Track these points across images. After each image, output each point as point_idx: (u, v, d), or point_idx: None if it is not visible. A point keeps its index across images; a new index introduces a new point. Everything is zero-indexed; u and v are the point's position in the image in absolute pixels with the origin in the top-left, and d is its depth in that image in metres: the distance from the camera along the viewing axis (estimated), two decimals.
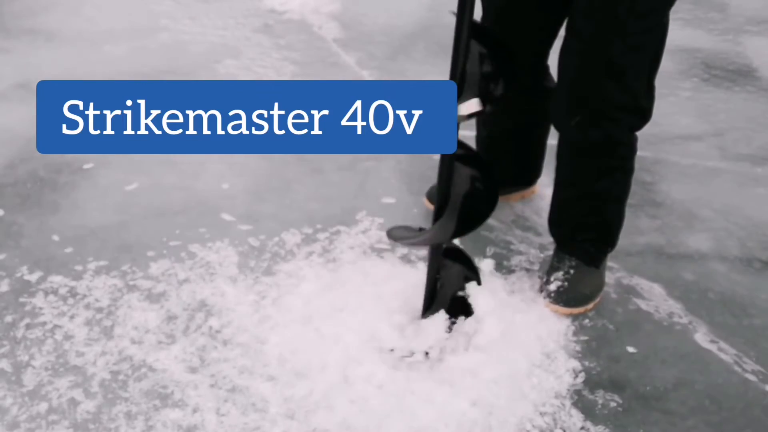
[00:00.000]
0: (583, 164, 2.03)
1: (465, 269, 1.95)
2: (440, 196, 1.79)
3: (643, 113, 1.94)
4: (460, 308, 1.90)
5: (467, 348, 1.88)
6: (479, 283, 1.94)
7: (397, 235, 1.88)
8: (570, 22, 1.89)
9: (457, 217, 1.78)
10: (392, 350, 1.88)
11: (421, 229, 1.89)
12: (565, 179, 2.09)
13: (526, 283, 2.14)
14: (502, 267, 2.22)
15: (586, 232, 2.10)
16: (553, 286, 2.07)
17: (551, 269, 2.12)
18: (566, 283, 2.07)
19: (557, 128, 2.04)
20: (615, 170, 2.03)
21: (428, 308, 1.90)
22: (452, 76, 1.67)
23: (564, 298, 2.06)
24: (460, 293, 1.92)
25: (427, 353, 1.86)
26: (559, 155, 2.09)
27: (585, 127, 1.93)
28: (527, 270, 2.22)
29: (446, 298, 1.90)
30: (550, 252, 2.22)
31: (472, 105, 1.68)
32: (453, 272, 1.92)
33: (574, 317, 2.06)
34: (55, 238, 2.37)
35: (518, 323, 1.96)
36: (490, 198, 1.82)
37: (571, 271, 2.09)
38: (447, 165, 1.74)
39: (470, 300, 1.91)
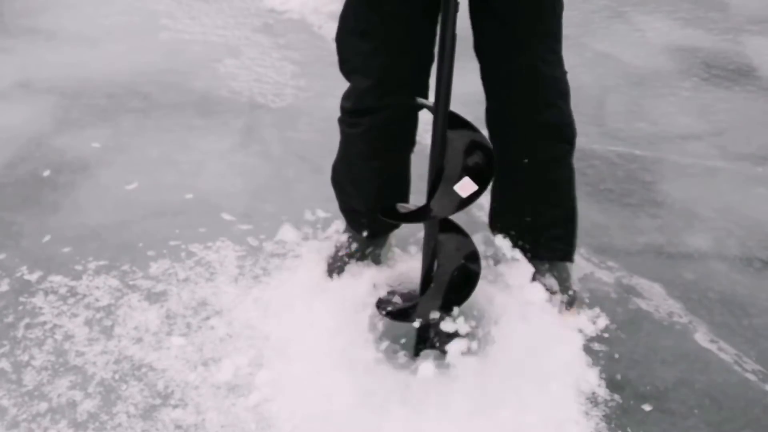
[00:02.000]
0: (536, 162, 1.96)
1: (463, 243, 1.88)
2: (425, 268, 1.83)
3: (566, 81, 1.93)
4: (461, 286, 1.87)
5: (466, 348, 1.88)
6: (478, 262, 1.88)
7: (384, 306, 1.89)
8: (490, 25, 1.81)
9: (443, 293, 1.84)
10: (396, 349, 1.89)
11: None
12: (518, 185, 2.02)
13: (519, 281, 2.11)
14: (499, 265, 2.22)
15: (549, 230, 2.05)
16: (563, 297, 2.04)
17: (541, 277, 2.07)
18: (569, 291, 2.05)
19: (503, 138, 1.93)
20: (564, 156, 2.00)
21: (425, 289, 1.87)
22: (431, 171, 1.70)
23: (574, 302, 2.05)
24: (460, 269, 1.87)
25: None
26: (509, 166, 1.96)
27: (534, 122, 1.90)
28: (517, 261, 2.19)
29: (445, 276, 1.85)
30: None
31: (467, 185, 1.68)
32: (451, 247, 1.85)
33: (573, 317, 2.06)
34: (55, 237, 2.37)
35: (516, 324, 1.95)
36: (475, 270, 1.84)
37: (555, 274, 2.06)
38: (431, 236, 1.79)
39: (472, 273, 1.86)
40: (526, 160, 1.96)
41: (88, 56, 3.57)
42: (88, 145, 2.87)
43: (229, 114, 3.09)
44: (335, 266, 2.13)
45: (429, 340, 1.90)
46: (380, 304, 1.92)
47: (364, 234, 2.13)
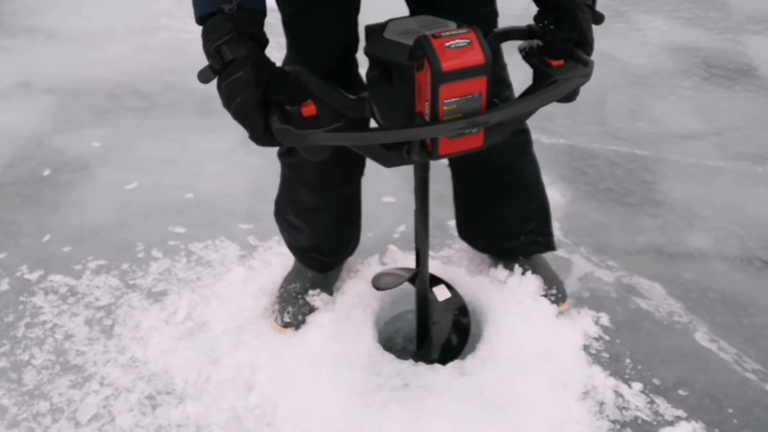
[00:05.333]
0: (501, 159, 1.88)
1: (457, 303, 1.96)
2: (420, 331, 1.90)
3: (507, 72, 1.86)
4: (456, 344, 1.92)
5: (464, 348, 1.89)
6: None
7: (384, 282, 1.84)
8: None
9: (439, 352, 1.89)
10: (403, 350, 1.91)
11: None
12: (487, 188, 1.96)
13: (520, 285, 2.12)
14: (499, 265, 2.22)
15: (527, 226, 2.02)
16: (554, 291, 2.04)
17: (524, 270, 2.06)
18: (554, 285, 2.04)
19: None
20: (525, 145, 1.94)
21: (421, 347, 1.91)
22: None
23: (565, 298, 2.05)
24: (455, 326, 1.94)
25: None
26: (475, 169, 1.93)
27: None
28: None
29: (441, 337, 1.91)
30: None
31: (443, 291, 1.88)
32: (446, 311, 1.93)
33: (572, 315, 2.06)
34: (55, 237, 2.37)
35: (516, 324, 1.95)
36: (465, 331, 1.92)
37: (541, 271, 2.05)
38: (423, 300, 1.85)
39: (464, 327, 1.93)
40: (490, 158, 1.79)
41: (88, 56, 3.58)
42: (88, 145, 2.87)
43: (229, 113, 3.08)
44: (296, 319, 1.98)
45: (430, 340, 1.90)
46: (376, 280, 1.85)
47: (315, 270, 2.05)
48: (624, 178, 2.67)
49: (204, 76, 1.31)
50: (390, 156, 1.35)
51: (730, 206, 2.52)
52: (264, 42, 1.34)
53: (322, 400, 1.77)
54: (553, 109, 1.40)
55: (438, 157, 1.34)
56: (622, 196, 2.57)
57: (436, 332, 1.89)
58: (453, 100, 1.25)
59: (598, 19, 1.46)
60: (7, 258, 2.29)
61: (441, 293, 1.87)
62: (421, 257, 1.75)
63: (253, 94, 1.26)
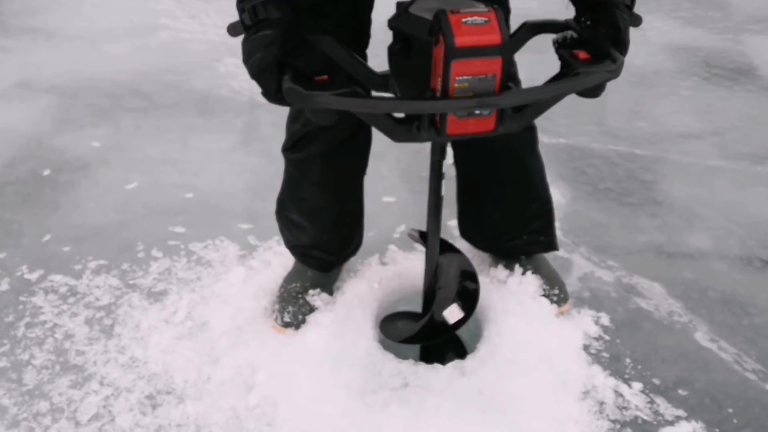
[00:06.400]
0: (510, 155, 1.89)
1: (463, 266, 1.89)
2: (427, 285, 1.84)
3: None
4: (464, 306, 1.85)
5: (464, 349, 1.89)
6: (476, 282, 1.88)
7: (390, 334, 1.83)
8: None
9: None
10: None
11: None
12: (493, 186, 1.96)
13: (520, 285, 2.11)
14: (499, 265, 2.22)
15: (531, 225, 2.01)
16: (556, 291, 2.04)
17: (525, 269, 2.06)
18: (556, 285, 2.03)
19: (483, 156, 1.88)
20: (532, 142, 1.93)
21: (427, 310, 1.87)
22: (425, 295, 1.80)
23: (565, 296, 2.05)
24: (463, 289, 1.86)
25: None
26: (483, 169, 1.93)
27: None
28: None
29: (447, 298, 1.84)
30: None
31: (454, 312, 1.77)
32: (452, 271, 1.86)
33: (572, 315, 2.06)
34: (55, 236, 2.37)
35: (516, 324, 1.95)
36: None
37: (542, 271, 2.04)
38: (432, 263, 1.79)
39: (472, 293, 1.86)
40: (495, 155, 1.86)
41: (88, 56, 3.58)
42: (88, 145, 2.87)
43: (230, 113, 3.09)
44: (296, 318, 1.97)
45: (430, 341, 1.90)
46: (385, 329, 1.85)
47: (316, 269, 2.04)
48: (624, 177, 2.67)
49: (234, 30, 1.34)
50: (400, 130, 1.34)
51: (730, 206, 2.53)
52: (301, 7, 1.37)
53: (322, 400, 1.77)
54: (554, 108, 1.40)
55: (446, 137, 1.33)
56: (622, 196, 2.57)
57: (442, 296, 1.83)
58: (465, 78, 1.24)
59: (636, 20, 1.45)
60: (7, 258, 2.29)
61: (452, 314, 1.80)
62: (430, 240, 1.72)
63: (274, 54, 1.29)
